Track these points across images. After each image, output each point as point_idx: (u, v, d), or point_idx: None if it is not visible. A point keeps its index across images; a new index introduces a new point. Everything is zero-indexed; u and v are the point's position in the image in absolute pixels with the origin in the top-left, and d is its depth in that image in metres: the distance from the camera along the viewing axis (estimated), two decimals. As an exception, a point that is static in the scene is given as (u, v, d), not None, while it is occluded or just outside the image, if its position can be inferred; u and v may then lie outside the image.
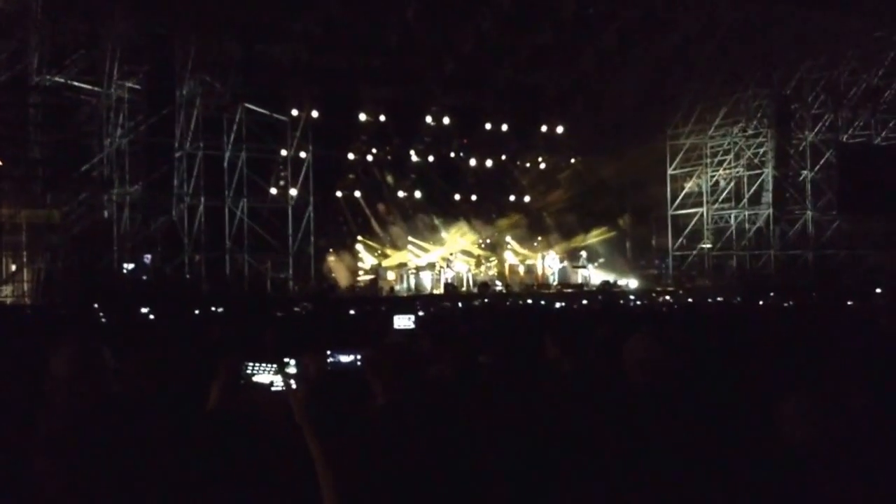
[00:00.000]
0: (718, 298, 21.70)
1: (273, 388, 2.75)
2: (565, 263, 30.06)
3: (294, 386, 2.61)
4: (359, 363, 3.39)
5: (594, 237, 32.38)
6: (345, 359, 3.38)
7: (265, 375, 2.75)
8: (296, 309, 16.95)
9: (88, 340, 3.11)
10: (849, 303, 16.48)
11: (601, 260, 30.96)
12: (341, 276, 28.21)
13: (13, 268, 20.69)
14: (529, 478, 2.92)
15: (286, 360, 2.76)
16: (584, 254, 30.87)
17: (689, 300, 19.71)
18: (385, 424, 2.26)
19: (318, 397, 2.55)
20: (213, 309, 17.69)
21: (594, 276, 29.80)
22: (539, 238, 32.63)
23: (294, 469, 2.77)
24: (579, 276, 29.59)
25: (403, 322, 7.24)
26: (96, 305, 17.32)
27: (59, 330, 11.17)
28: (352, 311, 17.60)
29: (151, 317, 15.45)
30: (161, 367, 5.09)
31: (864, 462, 2.40)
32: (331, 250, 29.45)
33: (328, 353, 3.40)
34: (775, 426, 2.56)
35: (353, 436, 2.39)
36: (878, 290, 19.10)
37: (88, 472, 2.23)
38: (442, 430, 2.27)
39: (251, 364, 2.76)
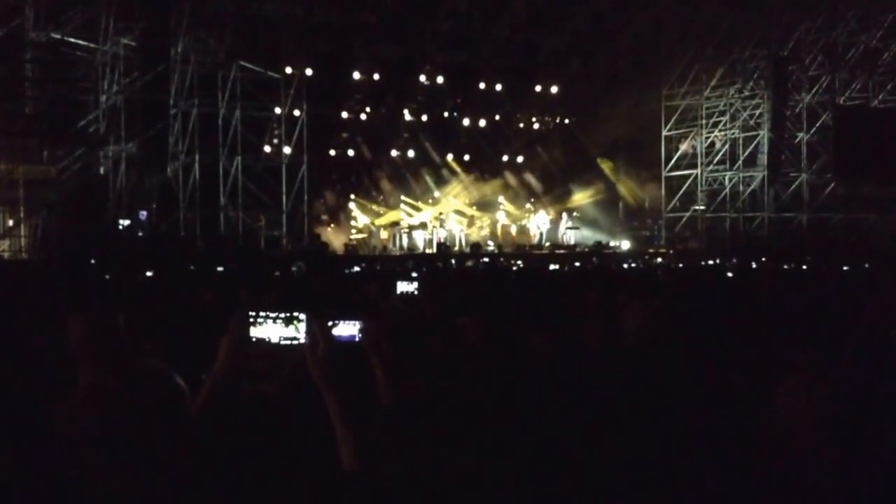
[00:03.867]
0: (710, 262, 21.76)
1: (282, 344, 2.72)
2: (559, 222, 30.12)
3: (312, 341, 2.66)
4: (358, 337, 3.37)
5: (587, 197, 32.39)
6: (343, 332, 3.36)
7: (273, 329, 2.72)
8: (293, 269, 16.99)
9: (104, 306, 3.19)
10: (844, 268, 16.39)
11: (592, 220, 30.94)
12: (334, 234, 28.24)
13: (10, 223, 20.73)
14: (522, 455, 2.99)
15: (297, 314, 2.74)
16: (576, 214, 30.90)
17: (681, 265, 19.65)
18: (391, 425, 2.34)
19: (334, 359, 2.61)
20: (208, 265, 17.80)
21: (586, 236, 29.85)
22: (532, 198, 32.66)
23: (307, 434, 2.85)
24: (571, 236, 29.63)
25: (406, 287, 7.22)
26: (93, 261, 17.40)
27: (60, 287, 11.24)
28: (354, 269, 17.68)
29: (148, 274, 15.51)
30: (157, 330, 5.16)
31: (864, 443, 2.46)
32: (324, 208, 29.50)
33: (330, 324, 3.40)
34: (771, 406, 2.62)
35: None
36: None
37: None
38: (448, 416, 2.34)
39: (258, 316, 2.73)
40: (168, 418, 2.41)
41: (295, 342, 2.67)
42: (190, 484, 2.43)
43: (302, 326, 2.68)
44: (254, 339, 2.70)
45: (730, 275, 14.23)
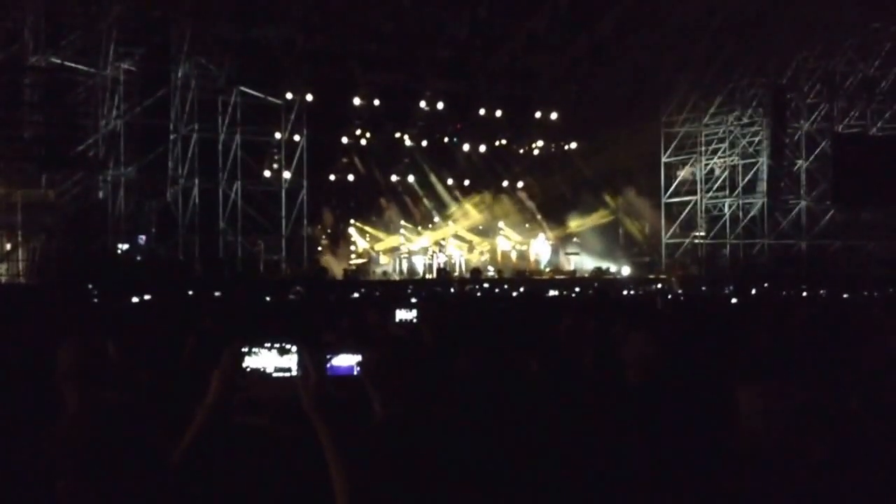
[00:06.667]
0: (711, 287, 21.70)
1: (274, 375, 2.69)
2: (557, 249, 30.12)
3: (304, 373, 2.62)
4: (356, 371, 3.32)
5: (587, 223, 32.37)
6: (341, 365, 3.31)
7: (266, 360, 2.70)
8: (291, 297, 16.90)
9: (92, 335, 3.16)
10: (844, 295, 16.38)
11: (592, 246, 30.93)
12: (334, 259, 28.20)
13: (8, 247, 20.70)
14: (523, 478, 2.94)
15: (288, 346, 2.71)
16: (576, 240, 30.87)
17: (680, 293, 19.60)
18: (384, 439, 2.32)
19: (326, 391, 2.58)
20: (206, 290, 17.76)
21: (586, 262, 29.82)
22: (531, 224, 32.64)
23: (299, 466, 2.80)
24: (571, 262, 29.60)
25: (405, 314, 7.17)
26: (90, 286, 17.34)
27: (55, 311, 11.16)
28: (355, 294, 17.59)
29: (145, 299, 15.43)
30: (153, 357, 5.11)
31: (818, 457, 2.45)
32: (324, 233, 29.48)
33: (326, 356, 3.33)
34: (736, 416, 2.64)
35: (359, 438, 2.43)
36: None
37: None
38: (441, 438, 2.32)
39: (251, 348, 2.70)
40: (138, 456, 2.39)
41: (288, 374, 2.64)
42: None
43: (294, 358, 2.65)
44: (248, 370, 2.67)
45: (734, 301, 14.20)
